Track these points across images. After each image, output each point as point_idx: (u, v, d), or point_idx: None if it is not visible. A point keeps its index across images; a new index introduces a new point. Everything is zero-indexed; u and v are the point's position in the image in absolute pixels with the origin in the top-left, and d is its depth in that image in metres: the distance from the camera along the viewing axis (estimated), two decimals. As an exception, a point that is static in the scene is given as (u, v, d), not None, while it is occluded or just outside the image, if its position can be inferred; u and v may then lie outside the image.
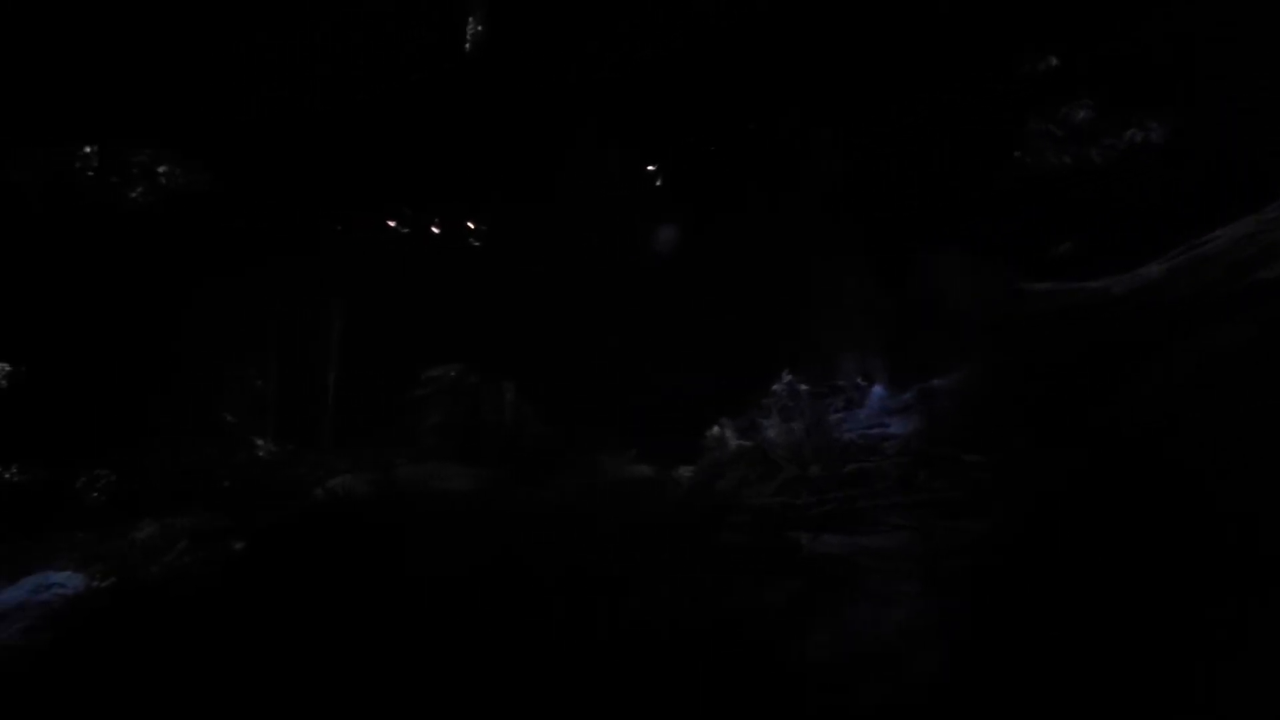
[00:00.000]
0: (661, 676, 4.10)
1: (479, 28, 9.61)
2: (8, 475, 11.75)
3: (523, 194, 13.10)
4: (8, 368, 12.05)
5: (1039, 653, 4.18)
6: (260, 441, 14.96)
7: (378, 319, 15.55)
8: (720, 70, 9.82)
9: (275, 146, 14.15)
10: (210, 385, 14.74)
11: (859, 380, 7.42)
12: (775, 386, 7.21)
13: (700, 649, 4.25)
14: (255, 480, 13.42)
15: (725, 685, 4.06)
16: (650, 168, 15.98)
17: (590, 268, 11.83)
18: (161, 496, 12.62)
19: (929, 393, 5.84)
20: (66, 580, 7.73)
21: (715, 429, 8.36)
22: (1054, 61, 7.42)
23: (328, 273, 15.79)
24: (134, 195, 11.60)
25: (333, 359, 16.10)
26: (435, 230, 17.54)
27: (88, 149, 10.73)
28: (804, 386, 7.02)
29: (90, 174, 10.78)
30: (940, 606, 4.69)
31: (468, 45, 10.00)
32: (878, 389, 7.74)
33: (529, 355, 10.27)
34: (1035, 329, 5.22)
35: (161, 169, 11.55)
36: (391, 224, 17.23)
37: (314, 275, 15.64)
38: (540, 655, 4.55)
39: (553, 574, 5.21)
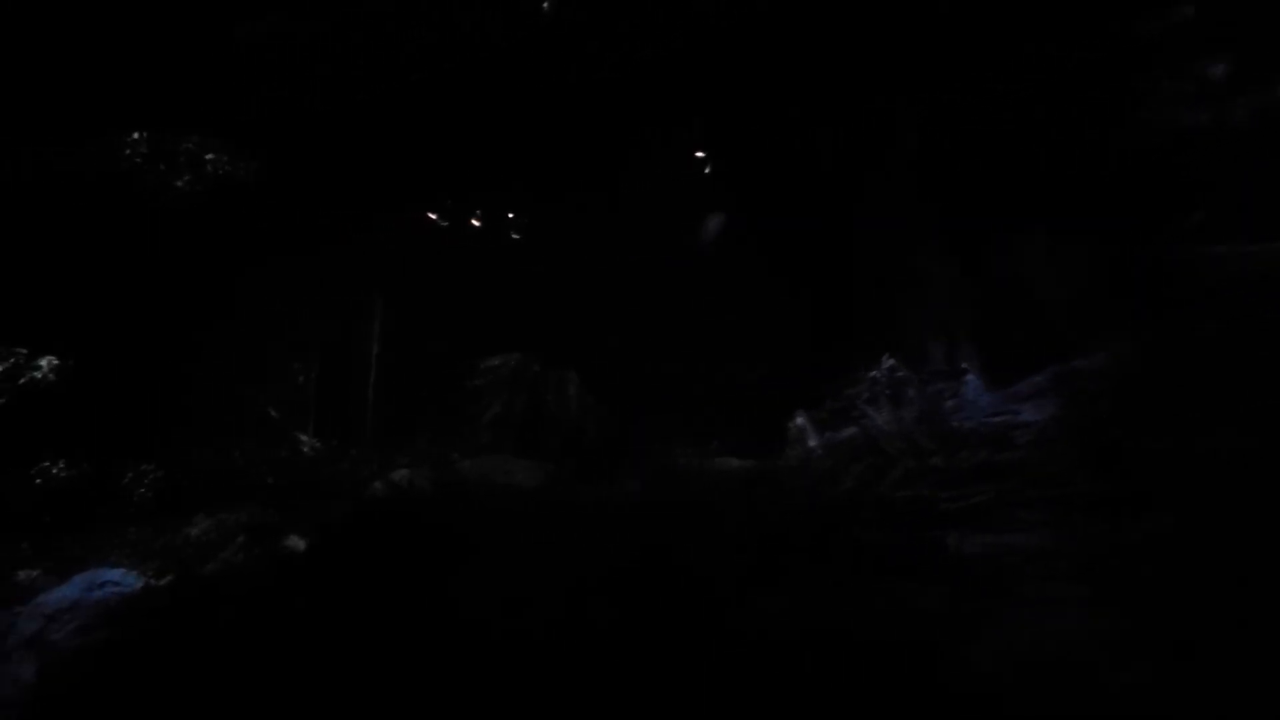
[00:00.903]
0: (808, 696, 3.55)
1: (552, -14, 9.16)
2: (54, 470, 11.52)
3: (581, 182, 12.66)
4: (55, 361, 11.83)
5: (1228, 671, 3.57)
6: (304, 437, 14.72)
7: (426, 310, 15.25)
8: (791, 36, 9.23)
9: (317, 136, 13.91)
10: (253, 380, 14.52)
11: (962, 365, 6.80)
12: (873, 373, 6.63)
13: (850, 664, 3.68)
14: (301, 476, 13.16)
15: (884, 704, 3.50)
16: (699, 154, 15.52)
17: (649, 255, 11.31)
18: (207, 492, 12.40)
19: (1068, 375, 5.21)
20: (120, 578, 7.38)
21: (798, 420, 7.80)
22: (1188, 12, 6.73)
23: (370, 265, 15.55)
24: (180, 184, 11.32)
25: (373, 353, 15.86)
26: (475, 223, 17.27)
27: (135, 135, 10.45)
28: (904, 372, 6.44)
29: (139, 160, 10.50)
30: (1114, 616, 4.06)
31: (545, 5, 9.56)
32: (972, 376, 7.14)
33: (590, 344, 9.76)
34: (1209, 299, 4.57)
35: (209, 156, 11.25)
36: (432, 216, 16.99)
37: (355, 268, 15.40)
38: (645, 671, 4.02)
39: (654, 578, 4.67)
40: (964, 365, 6.94)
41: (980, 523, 4.70)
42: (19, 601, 7.73)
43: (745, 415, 8.95)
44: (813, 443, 7.54)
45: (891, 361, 6.56)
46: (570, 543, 5.70)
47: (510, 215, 17.41)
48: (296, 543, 8.34)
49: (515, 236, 17.55)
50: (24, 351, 11.62)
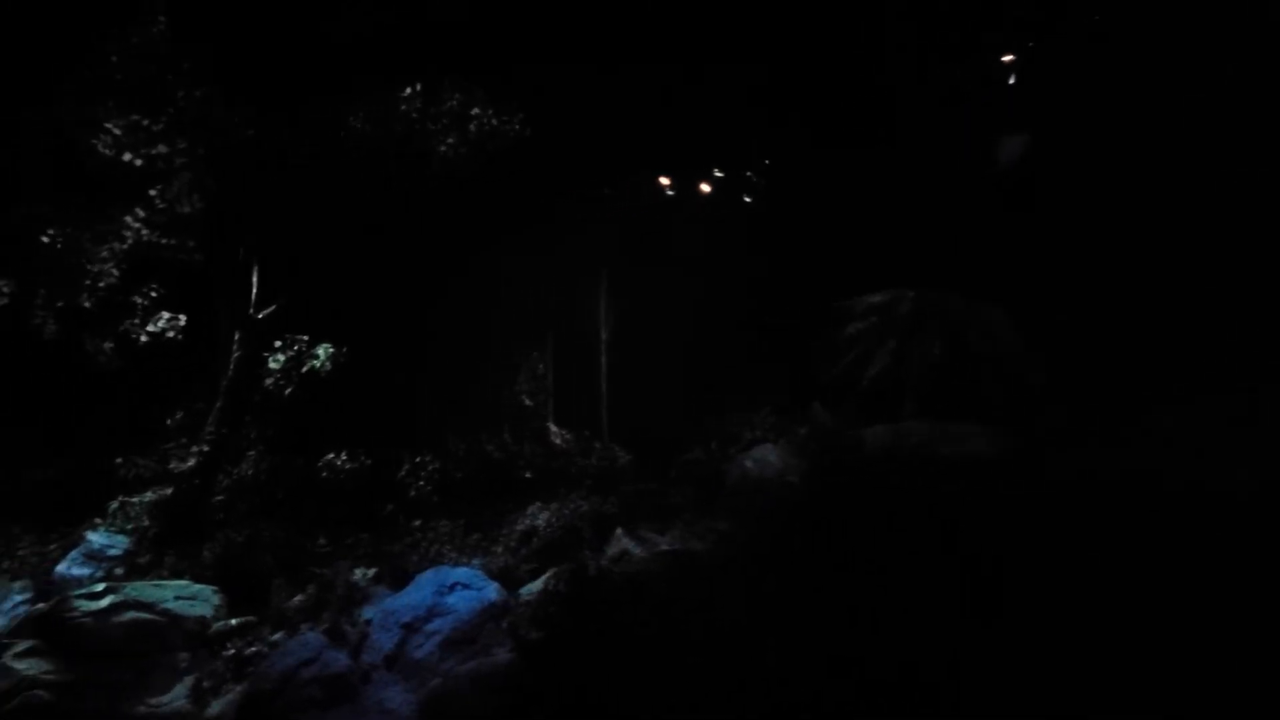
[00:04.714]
0: None
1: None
2: (338, 462, 10.92)
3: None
4: (330, 349, 11.30)
5: None
6: (553, 427, 13.60)
7: (658, 280, 13.70)
8: None
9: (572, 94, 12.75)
10: (504, 369, 13.58)
11: None
12: None
13: None
14: (558, 466, 11.96)
15: None
16: (1006, 59, 12.78)
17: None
18: (477, 485, 11.46)
19: None
20: (469, 579, 6.05)
21: None
22: None
23: (595, 241, 14.27)
24: (444, 148, 10.29)
25: (601, 338, 14.57)
26: (705, 188, 15.64)
27: (409, 90, 9.48)
28: None
29: (414, 116, 9.51)
30: None
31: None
32: None
33: (1002, 272, 7.24)
34: None
35: (474, 111, 10.12)
36: (665, 181, 15.53)
37: (582, 244, 14.18)
38: None
39: None
40: None
41: None
42: (356, 604, 6.69)
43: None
44: None
45: None
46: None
47: (748, 175, 15.69)
48: (623, 543, 6.70)
49: (748, 200, 15.77)
50: (305, 339, 11.15)
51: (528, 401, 13.40)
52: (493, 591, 5.83)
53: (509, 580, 6.18)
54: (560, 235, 13.81)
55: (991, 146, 11.24)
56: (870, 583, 4.26)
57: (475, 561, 6.89)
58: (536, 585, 5.68)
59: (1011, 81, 12.51)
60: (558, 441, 13.17)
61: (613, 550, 5.80)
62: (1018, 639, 3.72)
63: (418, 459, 11.14)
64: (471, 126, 10.34)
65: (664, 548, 5.87)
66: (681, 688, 4.00)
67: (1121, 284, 6.74)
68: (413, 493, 10.76)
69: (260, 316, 10.09)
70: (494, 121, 10.22)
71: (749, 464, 6.31)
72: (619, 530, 6.05)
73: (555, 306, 14.30)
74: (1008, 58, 12.48)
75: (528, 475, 11.60)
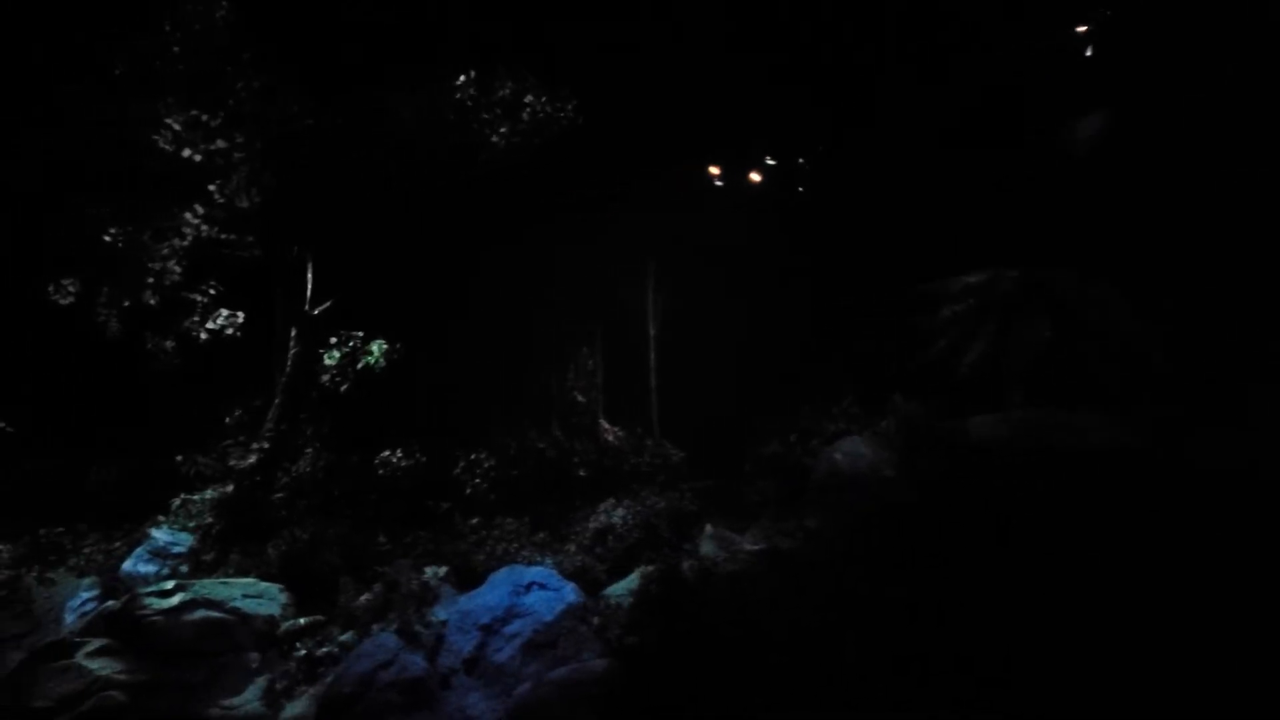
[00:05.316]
0: None
1: None
2: (394, 459, 10.78)
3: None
4: (385, 345, 11.18)
5: None
6: (605, 424, 13.33)
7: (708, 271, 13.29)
8: None
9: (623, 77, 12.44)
10: (557, 365, 13.34)
11: None
12: None
13: None
14: (612, 464, 11.68)
15: None
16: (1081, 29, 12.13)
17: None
18: (530, 481, 11.23)
19: None
20: (545, 578, 5.77)
21: None
22: None
23: (643, 231, 13.93)
24: (496, 139, 10.04)
25: (650, 334, 14.24)
26: (755, 177, 15.20)
27: (463, 78, 9.25)
28: None
29: (469, 104, 9.29)
30: None
31: None
32: None
33: (1114, 249, 6.66)
34: None
35: (527, 99, 9.85)
36: (715, 171, 15.13)
37: (629, 236, 13.84)
38: None
39: None
40: None
41: None
42: (426, 604, 6.48)
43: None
44: None
45: None
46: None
47: (800, 161, 15.22)
48: (711, 542, 6.35)
49: (800, 188, 15.30)
50: (360, 335, 11.06)
51: (580, 398, 13.11)
52: (570, 592, 5.55)
53: (585, 580, 5.90)
54: (607, 227, 13.49)
55: (1070, 120, 10.64)
56: (1003, 587, 3.86)
57: (548, 561, 6.63)
58: (621, 586, 5.38)
59: (1089, 54, 11.85)
60: (609, 438, 12.86)
61: (704, 550, 5.48)
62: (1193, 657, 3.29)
63: (472, 456, 10.94)
64: (524, 115, 10.08)
65: (749, 547, 5.52)
66: (771, 686, 3.66)
67: (1229, 255, 6.16)
68: (469, 490, 10.55)
69: (315, 313, 9.98)
70: (546, 109, 9.95)
71: (838, 457, 5.90)
72: (708, 528, 5.72)
73: (603, 301, 14.00)
74: (1083, 28, 11.81)
75: (582, 473, 11.33)
